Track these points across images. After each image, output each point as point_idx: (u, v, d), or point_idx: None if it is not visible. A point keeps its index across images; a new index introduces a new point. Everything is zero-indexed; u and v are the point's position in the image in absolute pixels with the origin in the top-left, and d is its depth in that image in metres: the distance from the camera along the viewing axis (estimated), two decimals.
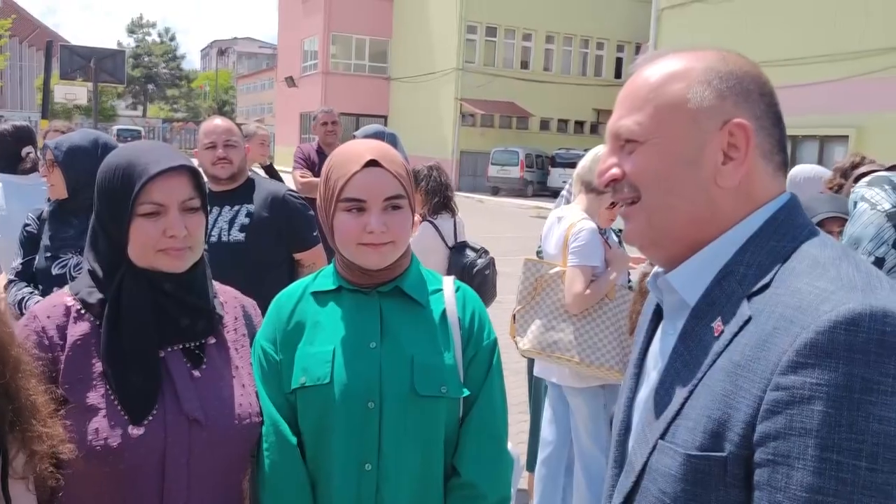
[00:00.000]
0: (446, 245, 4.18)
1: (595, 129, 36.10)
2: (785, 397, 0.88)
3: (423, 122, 33.46)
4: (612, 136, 1.14)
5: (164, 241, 1.52)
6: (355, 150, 1.67)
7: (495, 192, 30.15)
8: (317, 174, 6.07)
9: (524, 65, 34.93)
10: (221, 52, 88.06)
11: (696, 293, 1.06)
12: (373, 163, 1.62)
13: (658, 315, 1.20)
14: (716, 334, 1.00)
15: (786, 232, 1.03)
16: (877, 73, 18.10)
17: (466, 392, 1.67)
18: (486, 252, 4.23)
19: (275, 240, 3.34)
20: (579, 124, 36.24)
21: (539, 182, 30.23)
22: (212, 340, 1.63)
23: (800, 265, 0.98)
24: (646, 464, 1.04)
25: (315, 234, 3.54)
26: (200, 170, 1.57)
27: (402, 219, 1.65)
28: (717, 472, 0.94)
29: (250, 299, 1.82)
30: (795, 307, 0.92)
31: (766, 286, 0.98)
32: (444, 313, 1.71)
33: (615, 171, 1.12)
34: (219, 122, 3.46)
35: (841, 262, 0.97)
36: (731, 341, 0.97)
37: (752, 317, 0.96)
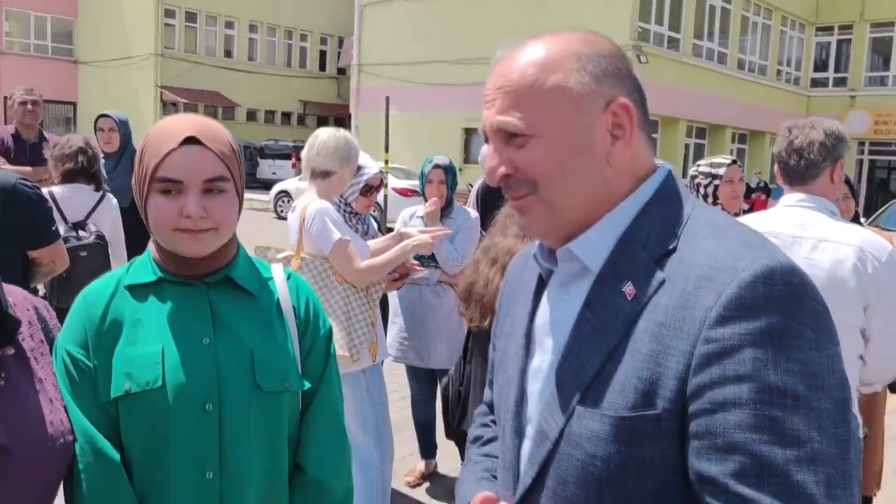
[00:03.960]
0: (64, 219, 3.94)
1: (302, 120, 36.02)
2: (716, 349, 0.94)
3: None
4: (496, 132, 1.12)
5: None
6: (174, 126, 1.48)
7: None
8: (15, 161, 5.32)
9: (228, 53, 33.78)
10: None
11: (600, 260, 1.09)
12: (192, 140, 1.45)
13: (540, 285, 1.22)
14: (629, 298, 1.04)
15: (675, 199, 1.11)
16: None
17: (308, 385, 1.58)
18: (100, 236, 4.04)
19: (3, 236, 2.89)
20: (286, 115, 35.90)
21: (248, 174, 29.47)
22: (9, 351, 1.36)
23: (701, 229, 1.05)
24: (563, 431, 1.06)
25: (54, 228, 3.12)
26: None
27: (225, 203, 1.49)
28: (651, 429, 0.98)
29: (42, 300, 1.55)
30: (713, 267, 0.98)
31: (674, 250, 1.04)
32: (277, 303, 1.59)
33: (504, 168, 1.11)
34: None
35: (734, 225, 1.06)
36: (647, 303, 1.02)
37: (667, 279, 1.01)
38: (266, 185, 25.05)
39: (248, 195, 27.39)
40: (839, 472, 0.90)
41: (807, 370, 0.92)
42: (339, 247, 3.28)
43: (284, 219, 17.39)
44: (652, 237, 1.07)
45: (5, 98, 5.51)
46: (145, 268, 1.54)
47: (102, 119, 5.31)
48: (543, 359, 1.15)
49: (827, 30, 28.89)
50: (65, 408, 1.42)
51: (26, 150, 5.40)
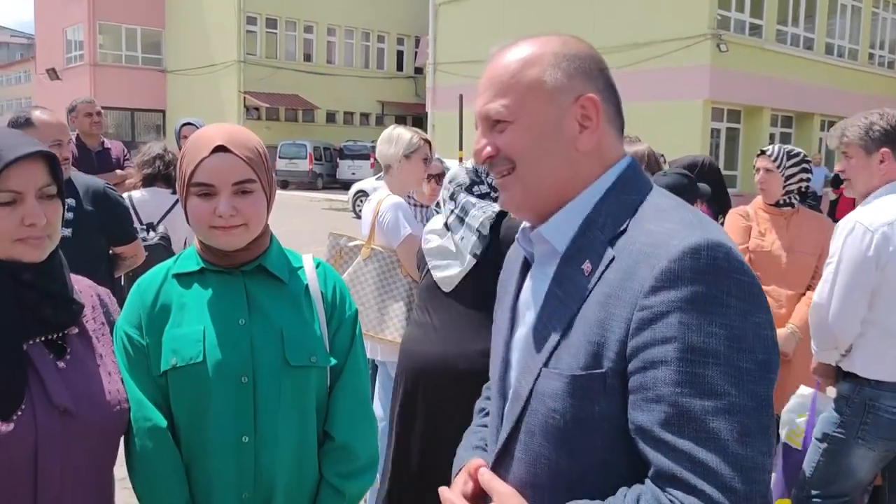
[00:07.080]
0: (138, 220, 4.29)
1: (380, 120, 36.58)
2: (649, 315, 1.07)
3: (206, 115, 31.63)
4: (483, 118, 1.29)
5: (22, 229, 1.46)
6: (206, 136, 1.69)
7: (284, 185, 29.71)
8: (82, 170, 5.62)
9: (307, 57, 34.67)
10: None
11: (565, 241, 1.23)
12: (221, 148, 1.64)
13: (525, 266, 1.37)
14: (586, 274, 1.18)
15: (633, 187, 1.24)
16: (624, 68, 19.75)
17: (334, 361, 1.76)
18: (165, 238, 4.38)
19: (96, 234, 3.25)
20: (365, 116, 36.57)
21: (329, 175, 30.18)
22: (74, 330, 1.59)
23: (649, 212, 1.18)
24: (532, 390, 1.20)
25: (134, 227, 3.45)
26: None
27: (253, 202, 1.68)
28: (598, 386, 1.12)
29: (104, 288, 1.78)
30: (651, 244, 1.11)
31: (624, 231, 1.17)
32: (306, 288, 1.78)
33: (489, 149, 1.28)
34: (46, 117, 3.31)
35: (679, 208, 1.19)
36: (599, 278, 1.15)
37: (616, 256, 1.15)
38: (346, 186, 25.51)
39: (329, 195, 27.53)
40: (755, 423, 1.02)
41: (729, 333, 1.04)
42: (408, 242, 3.47)
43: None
44: (609, 221, 1.20)
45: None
46: (191, 259, 1.75)
47: (186, 127, 5.66)
48: (523, 330, 1.30)
49: None
50: (122, 380, 1.64)
51: (93, 159, 5.60)
